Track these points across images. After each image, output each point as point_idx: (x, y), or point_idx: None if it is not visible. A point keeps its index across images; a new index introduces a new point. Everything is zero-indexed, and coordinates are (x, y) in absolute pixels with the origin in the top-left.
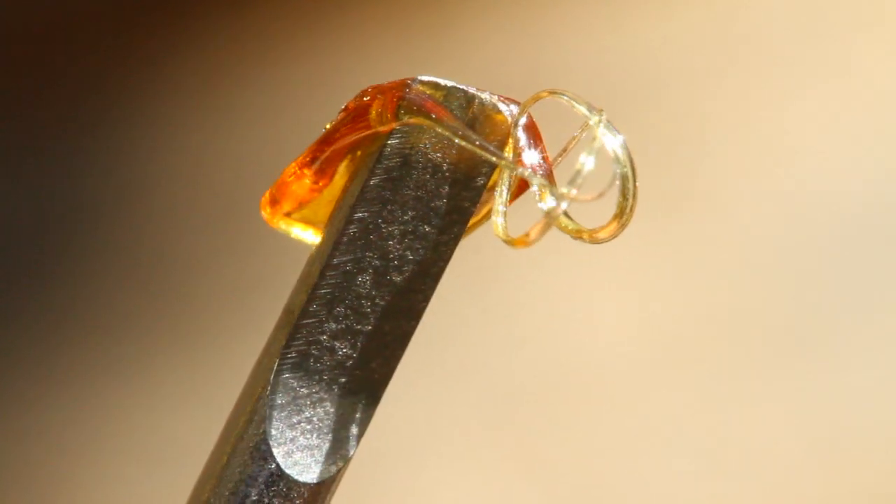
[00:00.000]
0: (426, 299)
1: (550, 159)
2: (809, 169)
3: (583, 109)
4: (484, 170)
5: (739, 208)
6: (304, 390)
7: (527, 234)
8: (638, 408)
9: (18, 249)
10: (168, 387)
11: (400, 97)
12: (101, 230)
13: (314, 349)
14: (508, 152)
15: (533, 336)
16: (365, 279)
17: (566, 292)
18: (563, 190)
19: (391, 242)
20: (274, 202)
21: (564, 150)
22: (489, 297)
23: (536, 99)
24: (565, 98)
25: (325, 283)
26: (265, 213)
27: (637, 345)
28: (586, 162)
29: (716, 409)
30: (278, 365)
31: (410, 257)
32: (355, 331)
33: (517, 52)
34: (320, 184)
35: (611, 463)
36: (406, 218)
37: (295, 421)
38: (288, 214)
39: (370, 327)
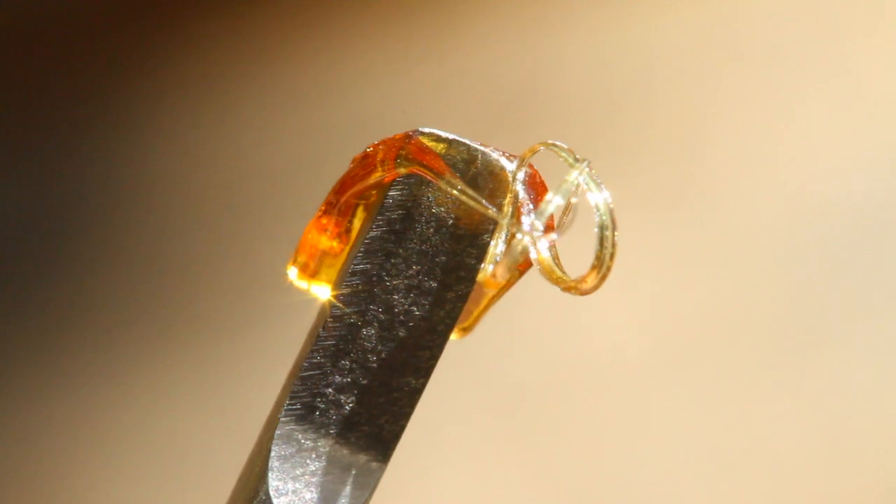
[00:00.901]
0: (434, 357)
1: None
2: (810, 169)
3: (569, 160)
4: (490, 227)
5: (740, 208)
6: (309, 443)
7: (493, 274)
8: (639, 407)
9: (18, 249)
10: (167, 386)
11: (400, 147)
12: (100, 230)
13: (319, 401)
14: (508, 206)
15: (533, 336)
16: (370, 333)
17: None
18: (526, 228)
19: (396, 296)
20: (297, 260)
21: (566, 209)
22: None
23: (533, 152)
24: (555, 149)
25: (329, 334)
26: (290, 272)
27: (637, 345)
28: (553, 200)
29: (716, 409)
30: (283, 415)
31: (417, 312)
32: (362, 385)
33: (517, 51)
34: (339, 234)
35: (611, 462)
36: (411, 272)
37: (298, 473)
38: (314, 276)
39: (377, 383)
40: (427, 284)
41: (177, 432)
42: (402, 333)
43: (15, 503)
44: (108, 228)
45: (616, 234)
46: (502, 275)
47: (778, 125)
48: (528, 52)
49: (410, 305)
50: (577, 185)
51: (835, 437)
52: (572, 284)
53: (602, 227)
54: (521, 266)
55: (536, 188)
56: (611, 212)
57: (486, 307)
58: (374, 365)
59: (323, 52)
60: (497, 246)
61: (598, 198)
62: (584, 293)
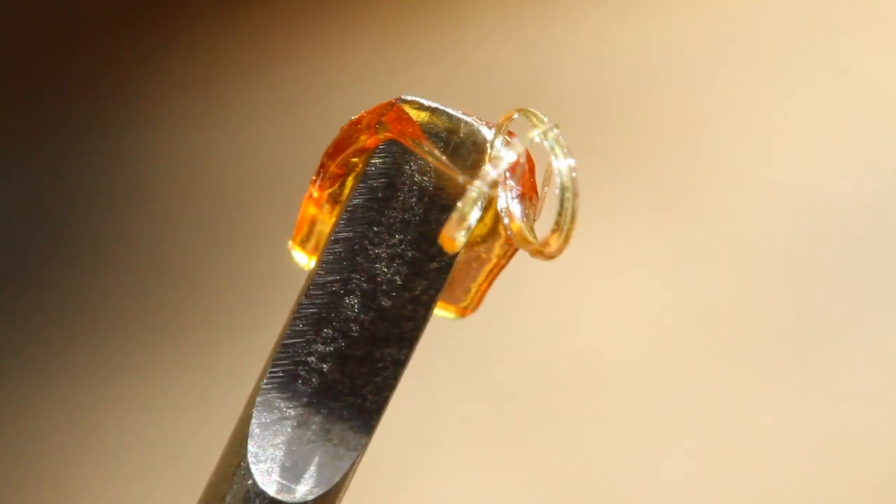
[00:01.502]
0: (418, 327)
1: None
2: (810, 169)
3: (536, 123)
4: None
5: (740, 208)
6: (290, 411)
7: (446, 231)
8: (638, 407)
9: (17, 249)
10: (167, 387)
11: (381, 113)
12: (100, 230)
13: (301, 370)
14: (485, 174)
15: (533, 336)
16: (352, 301)
17: (567, 292)
18: (484, 184)
19: (378, 265)
20: (296, 236)
21: (546, 178)
22: (489, 296)
23: (508, 119)
24: (527, 114)
25: (312, 302)
26: (291, 246)
27: (637, 345)
28: (504, 154)
29: (716, 409)
30: (265, 383)
31: (399, 282)
32: (344, 354)
33: (515, 51)
34: (329, 202)
35: (611, 462)
36: (394, 241)
37: (278, 441)
38: (315, 251)
39: (360, 352)
40: (409, 254)
41: (176, 432)
42: (384, 303)
43: (15, 503)
44: (106, 228)
45: (577, 199)
46: (452, 231)
47: (778, 125)
48: (528, 52)
49: (393, 275)
50: (556, 146)
51: (835, 436)
52: (538, 248)
53: (563, 190)
54: (507, 239)
55: (526, 163)
56: (573, 177)
57: (485, 285)
58: (357, 334)
59: (323, 52)
60: (471, 213)
61: (561, 163)
62: (548, 257)
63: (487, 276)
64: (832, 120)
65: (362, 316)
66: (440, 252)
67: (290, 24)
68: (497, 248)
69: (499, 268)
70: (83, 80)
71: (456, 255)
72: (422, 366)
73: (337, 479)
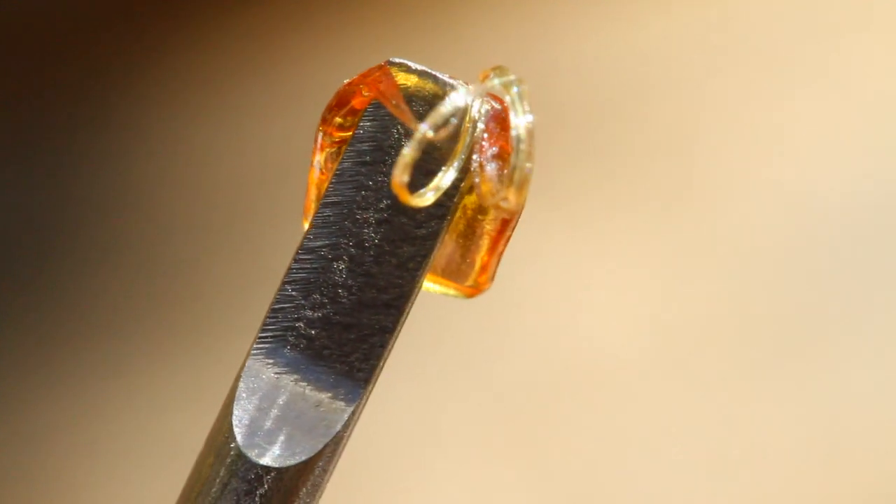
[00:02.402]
0: (404, 295)
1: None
2: (809, 169)
3: (505, 76)
4: (457, 164)
5: (740, 208)
6: (279, 377)
7: (392, 176)
8: (638, 407)
9: (17, 249)
10: (167, 387)
11: (368, 74)
12: (101, 230)
13: (290, 335)
14: (462, 137)
15: (533, 335)
16: (341, 266)
17: (566, 292)
18: (422, 126)
19: (366, 230)
20: (306, 207)
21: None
22: (489, 295)
23: (485, 77)
24: (498, 71)
25: (301, 266)
26: (304, 224)
27: (637, 344)
28: (445, 105)
29: (716, 409)
30: (253, 349)
31: (387, 248)
32: (332, 321)
33: (516, 51)
34: (328, 166)
35: (611, 462)
36: (381, 206)
37: (264, 406)
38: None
39: (348, 318)
40: (397, 220)
41: (176, 431)
42: (373, 269)
43: (15, 503)
44: (105, 227)
45: (530, 152)
46: (397, 175)
47: (777, 125)
48: (528, 52)
49: (381, 241)
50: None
51: (835, 436)
52: (495, 203)
53: (517, 141)
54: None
55: (502, 124)
56: (529, 129)
57: (487, 258)
58: (345, 300)
59: (322, 51)
60: (412, 156)
61: (520, 118)
62: (510, 213)
63: (489, 250)
64: (831, 120)
65: (350, 281)
66: (428, 219)
67: (290, 23)
68: (490, 217)
69: (497, 239)
70: (82, 79)
71: (443, 221)
72: (422, 365)
73: (320, 446)
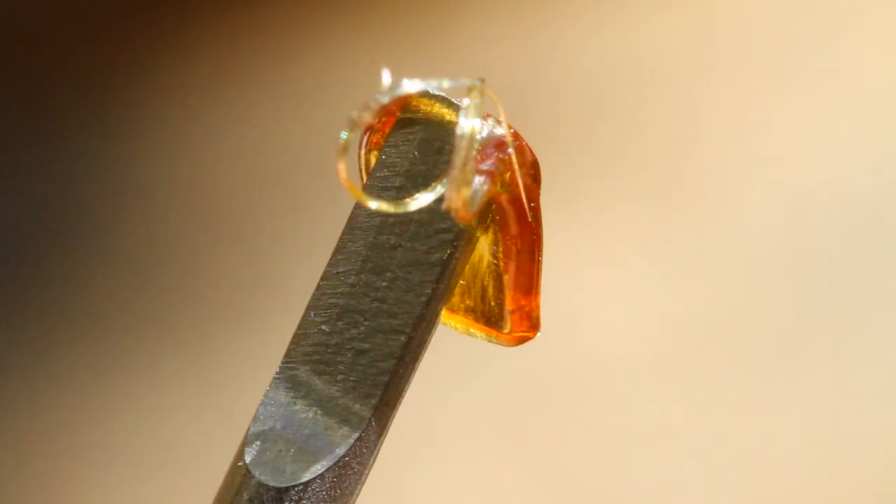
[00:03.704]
0: (411, 321)
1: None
2: (810, 169)
3: (467, 81)
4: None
5: (740, 208)
6: (294, 402)
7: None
8: (638, 408)
9: (17, 249)
10: (167, 387)
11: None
12: (101, 230)
13: (311, 360)
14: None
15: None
16: (359, 292)
17: (567, 292)
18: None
19: (385, 256)
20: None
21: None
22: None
23: (470, 94)
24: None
25: (322, 293)
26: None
27: (637, 345)
28: (381, 98)
29: (716, 409)
30: (277, 372)
31: (400, 274)
32: (348, 346)
33: (516, 51)
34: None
35: (611, 462)
36: (398, 231)
37: (277, 427)
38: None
39: (363, 344)
40: (411, 245)
41: (177, 433)
42: (387, 295)
43: (15, 503)
44: (109, 229)
45: (467, 156)
46: (336, 159)
47: (777, 125)
48: (528, 52)
49: (395, 266)
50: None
51: (836, 436)
52: (447, 206)
53: (459, 139)
54: (501, 237)
55: (499, 148)
56: (470, 136)
57: (514, 301)
58: (362, 326)
59: (322, 52)
60: (346, 137)
61: (466, 122)
62: (458, 215)
63: (512, 288)
64: (831, 120)
65: (365, 307)
66: (439, 245)
67: (290, 23)
68: (502, 254)
69: (514, 274)
70: (82, 79)
71: (450, 248)
72: (423, 365)
73: (321, 470)
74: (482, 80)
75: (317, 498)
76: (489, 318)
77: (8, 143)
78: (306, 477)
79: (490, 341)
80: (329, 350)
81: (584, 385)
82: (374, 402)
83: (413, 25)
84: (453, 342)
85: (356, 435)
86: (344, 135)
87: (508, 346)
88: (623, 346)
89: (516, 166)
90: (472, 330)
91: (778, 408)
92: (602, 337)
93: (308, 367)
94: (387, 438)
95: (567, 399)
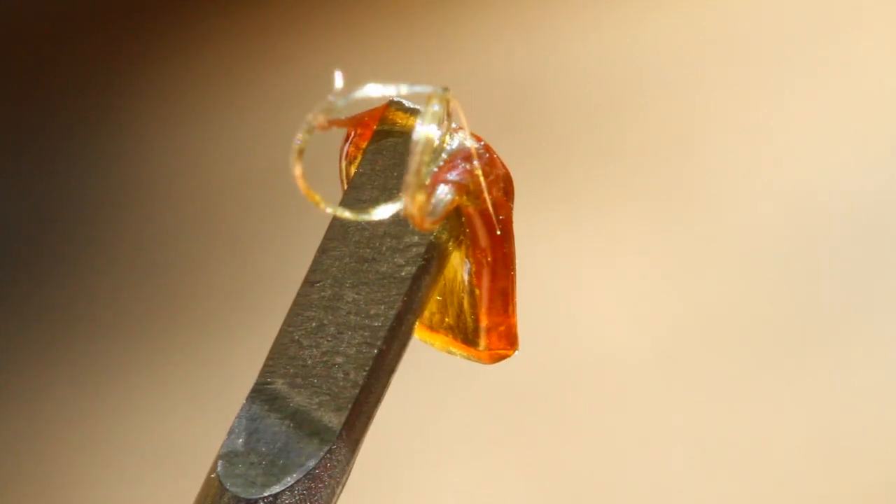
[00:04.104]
0: (379, 334)
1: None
2: (810, 169)
3: (432, 89)
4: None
5: (739, 208)
6: (270, 414)
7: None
8: (638, 408)
9: (17, 249)
10: (167, 387)
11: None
12: (100, 230)
13: (288, 371)
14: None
15: (533, 336)
16: (337, 305)
17: (566, 292)
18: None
19: (361, 269)
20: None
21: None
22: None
23: (430, 102)
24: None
25: (299, 305)
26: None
27: (637, 345)
28: (335, 101)
29: (716, 409)
30: (255, 385)
31: (375, 287)
32: (324, 360)
33: (515, 51)
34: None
35: (611, 463)
36: (375, 245)
37: (252, 438)
38: None
39: (337, 357)
40: (386, 260)
41: (177, 433)
42: (362, 307)
43: (15, 503)
44: (109, 229)
45: (421, 161)
46: (291, 165)
47: (776, 125)
48: (527, 53)
49: (371, 278)
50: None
51: (835, 436)
52: (405, 213)
53: (414, 145)
54: (470, 252)
55: (466, 159)
56: (425, 142)
57: (487, 319)
58: (337, 338)
59: (322, 52)
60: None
61: (422, 127)
62: (415, 223)
63: (483, 306)
64: (831, 120)
65: (342, 319)
66: (410, 259)
67: (289, 23)
68: (475, 270)
69: (485, 291)
70: (82, 79)
71: (420, 262)
72: (421, 364)
73: (290, 481)
74: (446, 89)
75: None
76: (465, 335)
77: (7, 143)
78: (276, 489)
79: (469, 359)
80: (304, 363)
81: (583, 385)
82: (344, 415)
83: (413, 26)
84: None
85: (326, 448)
86: (299, 139)
87: (485, 363)
88: (623, 346)
89: (482, 178)
90: (451, 348)
91: (778, 408)
92: (602, 337)
93: (284, 381)
94: (386, 438)
95: (566, 399)
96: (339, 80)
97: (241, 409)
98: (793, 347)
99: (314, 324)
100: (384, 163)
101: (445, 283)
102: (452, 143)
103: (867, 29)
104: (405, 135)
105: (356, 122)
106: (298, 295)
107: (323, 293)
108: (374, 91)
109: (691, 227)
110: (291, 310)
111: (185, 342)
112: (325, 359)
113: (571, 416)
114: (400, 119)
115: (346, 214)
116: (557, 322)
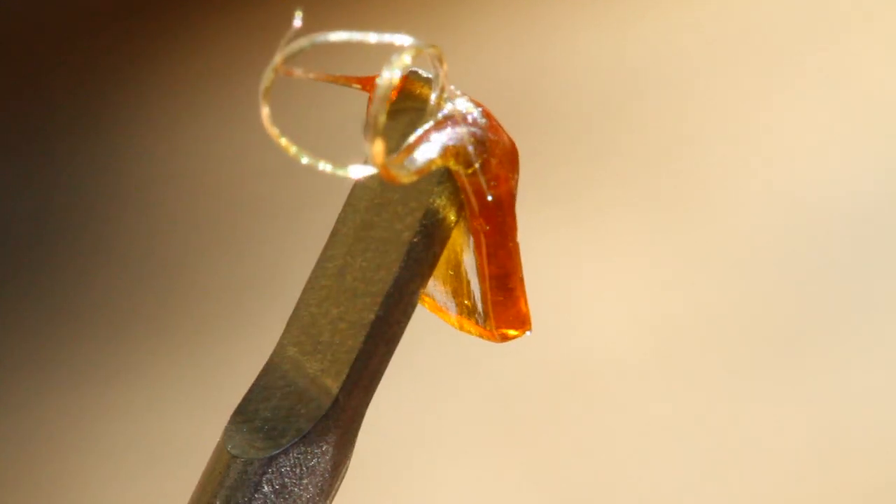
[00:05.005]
0: (376, 300)
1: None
2: (810, 169)
3: (414, 45)
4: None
5: (739, 208)
6: (284, 378)
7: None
8: (637, 407)
9: (17, 249)
10: (166, 387)
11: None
12: (101, 230)
13: (303, 339)
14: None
15: (532, 336)
16: (348, 276)
17: (565, 292)
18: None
19: (369, 241)
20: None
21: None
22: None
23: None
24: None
25: (316, 276)
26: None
27: (637, 345)
28: (300, 44)
29: (715, 409)
30: (276, 346)
31: (377, 258)
32: (333, 325)
33: (516, 51)
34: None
35: (610, 462)
36: (389, 213)
37: (262, 404)
38: None
39: (340, 322)
40: (390, 226)
41: (177, 433)
42: (367, 275)
43: (15, 503)
44: (109, 229)
45: (377, 111)
46: (261, 103)
47: (775, 127)
48: (528, 52)
49: (375, 246)
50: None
51: (834, 436)
52: (371, 160)
53: (377, 88)
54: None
55: (454, 123)
56: (385, 87)
57: (491, 294)
58: (343, 307)
59: (321, 52)
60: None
61: (385, 73)
62: (382, 172)
63: (482, 278)
64: (831, 120)
65: (347, 285)
66: (410, 224)
67: (288, 23)
68: (470, 241)
69: (483, 264)
70: (81, 79)
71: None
72: (422, 364)
73: (286, 445)
74: (433, 46)
75: (280, 473)
76: (473, 312)
77: (6, 143)
78: (272, 452)
79: (481, 338)
80: (315, 330)
81: (583, 385)
82: (342, 379)
83: (412, 26)
84: (452, 342)
85: (322, 413)
86: (266, 79)
87: (494, 342)
88: (622, 345)
89: (473, 143)
90: (464, 326)
91: (777, 407)
92: (601, 336)
93: (296, 349)
94: (386, 438)
95: (566, 399)
96: (298, 21)
97: (257, 377)
98: (792, 347)
99: (325, 292)
100: (400, 131)
101: (456, 261)
102: (451, 106)
103: (867, 32)
104: (422, 105)
105: (363, 81)
106: (316, 264)
107: (335, 262)
108: (341, 37)
109: (691, 228)
110: (309, 279)
111: (185, 341)
112: (331, 326)
113: (570, 416)
114: (417, 89)
115: (327, 168)
116: (557, 322)
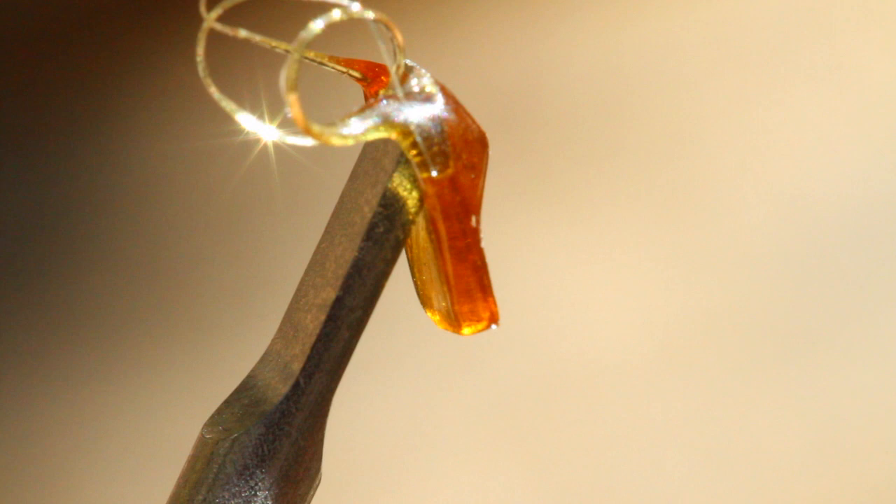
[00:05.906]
0: (338, 278)
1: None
2: (810, 169)
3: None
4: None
5: (739, 209)
6: (261, 367)
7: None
8: (638, 407)
9: (17, 250)
10: (166, 387)
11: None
12: (101, 231)
13: (286, 328)
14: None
15: (532, 336)
16: (325, 264)
17: (565, 292)
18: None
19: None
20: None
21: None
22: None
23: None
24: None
25: (310, 267)
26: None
27: (637, 344)
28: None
29: (716, 409)
30: (272, 340)
31: (348, 245)
32: (304, 309)
33: (516, 51)
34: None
35: (610, 462)
36: (362, 200)
37: (241, 391)
38: None
39: (306, 311)
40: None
41: (177, 433)
42: (331, 263)
43: (15, 503)
44: (110, 230)
45: (295, 62)
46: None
47: (778, 126)
48: (528, 52)
49: (344, 238)
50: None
51: (834, 436)
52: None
53: (296, 42)
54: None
55: (412, 97)
56: (301, 41)
57: (452, 289)
58: (315, 292)
59: (320, 51)
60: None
61: (307, 29)
62: (300, 127)
63: (447, 275)
64: (832, 120)
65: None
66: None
67: (288, 22)
68: (425, 225)
69: (442, 258)
70: (82, 81)
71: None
72: (422, 365)
73: (249, 426)
74: (378, 20)
75: (243, 455)
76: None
77: (6, 143)
78: (236, 434)
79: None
80: (297, 318)
81: (582, 384)
82: (302, 361)
83: (412, 26)
84: (451, 342)
85: (283, 394)
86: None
87: (452, 331)
88: (622, 345)
89: (420, 120)
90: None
91: (777, 407)
92: (601, 336)
93: (282, 341)
94: (386, 438)
95: (565, 399)
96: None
97: (249, 372)
98: (792, 347)
99: (310, 281)
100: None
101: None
102: (414, 84)
103: (868, 30)
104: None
105: (357, 65)
106: (310, 258)
107: (322, 252)
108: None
109: (690, 228)
110: (304, 273)
111: (185, 341)
112: (308, 311)
113: (570, 416)
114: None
115: (251, 123)
116: (556, 321)
